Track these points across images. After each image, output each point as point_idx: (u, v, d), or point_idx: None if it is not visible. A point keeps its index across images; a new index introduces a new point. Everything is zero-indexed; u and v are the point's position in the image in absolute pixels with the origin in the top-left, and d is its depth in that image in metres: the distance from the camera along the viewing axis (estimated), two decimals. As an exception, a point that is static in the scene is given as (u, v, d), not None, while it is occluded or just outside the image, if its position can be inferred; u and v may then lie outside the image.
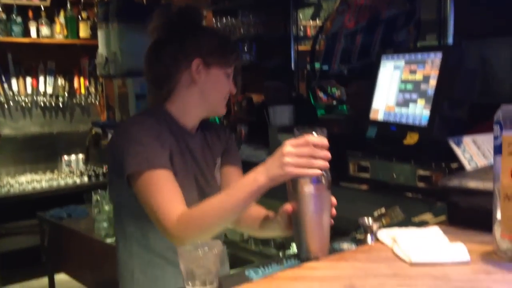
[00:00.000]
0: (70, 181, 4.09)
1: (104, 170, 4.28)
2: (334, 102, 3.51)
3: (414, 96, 1.78)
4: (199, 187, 1.36)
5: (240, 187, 1.12)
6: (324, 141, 1.04)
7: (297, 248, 1.14)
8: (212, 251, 0.97)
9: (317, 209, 1.09)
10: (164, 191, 1.20)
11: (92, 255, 2.79)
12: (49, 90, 4.35)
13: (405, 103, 1.82)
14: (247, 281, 1.01)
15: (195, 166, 1.36)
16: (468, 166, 1.55)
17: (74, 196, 3.59)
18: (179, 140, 1.33)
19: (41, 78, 4.34)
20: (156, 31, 1.35)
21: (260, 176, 1.07)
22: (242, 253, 2.73)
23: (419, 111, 1.74)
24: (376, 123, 1.92)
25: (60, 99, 4.41)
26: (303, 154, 1.02)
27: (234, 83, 1.40)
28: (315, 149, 1.02)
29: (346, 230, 1.32)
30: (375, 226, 1.21)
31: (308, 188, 1.07)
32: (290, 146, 1.03)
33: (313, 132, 1.05)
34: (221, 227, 1.22)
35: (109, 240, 2.72)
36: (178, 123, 1.35)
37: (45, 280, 3.31)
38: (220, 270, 1.00)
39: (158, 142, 1.26)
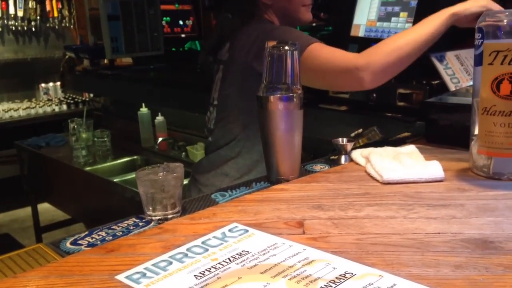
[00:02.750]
0: (48, 109, 4.00)
1: (84, 97, 4.17)
2: (314, 24, 3.35)
3: (397, 9, 1.68)
4: None
5: (429, 20, 1.26)
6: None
7: (267, 170, 1.10)
8: (173, 174, 0.92)
9: (288, 128, 1.04)
10: (334, 48, 1.34)
11: (72, 184, 2.76)
12: (20, 13, 4.13)
13: (387, 17, 1.71)
14: (213, 205, 0.96)
15: None
16: (449, 83, 1.47)
17: (53, 125, 3.52)
18: None
19: (11, 1, 4.11)
20: None
21: (449, 9, 1.25)
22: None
23: (401, 25, 1.65)
24: (356, 39, 1.82)
25: (33, 23, 4.20)
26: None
27: None
28: None
29: (325, 153, 1.28)
30: (349, 146, 1.17)
31: (279, 105, 1.02)
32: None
33: (286, 47, 1.04)
34: (405, 60, 1.27)
35: (87, 168, 2.68)
36: None
37: (29, 210, 3.30)
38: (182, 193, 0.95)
39: None
